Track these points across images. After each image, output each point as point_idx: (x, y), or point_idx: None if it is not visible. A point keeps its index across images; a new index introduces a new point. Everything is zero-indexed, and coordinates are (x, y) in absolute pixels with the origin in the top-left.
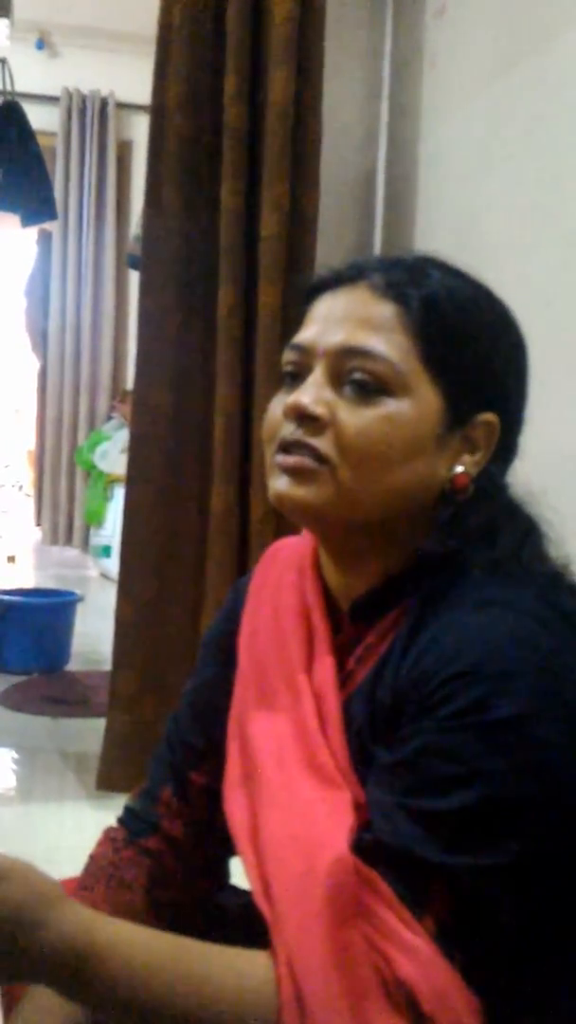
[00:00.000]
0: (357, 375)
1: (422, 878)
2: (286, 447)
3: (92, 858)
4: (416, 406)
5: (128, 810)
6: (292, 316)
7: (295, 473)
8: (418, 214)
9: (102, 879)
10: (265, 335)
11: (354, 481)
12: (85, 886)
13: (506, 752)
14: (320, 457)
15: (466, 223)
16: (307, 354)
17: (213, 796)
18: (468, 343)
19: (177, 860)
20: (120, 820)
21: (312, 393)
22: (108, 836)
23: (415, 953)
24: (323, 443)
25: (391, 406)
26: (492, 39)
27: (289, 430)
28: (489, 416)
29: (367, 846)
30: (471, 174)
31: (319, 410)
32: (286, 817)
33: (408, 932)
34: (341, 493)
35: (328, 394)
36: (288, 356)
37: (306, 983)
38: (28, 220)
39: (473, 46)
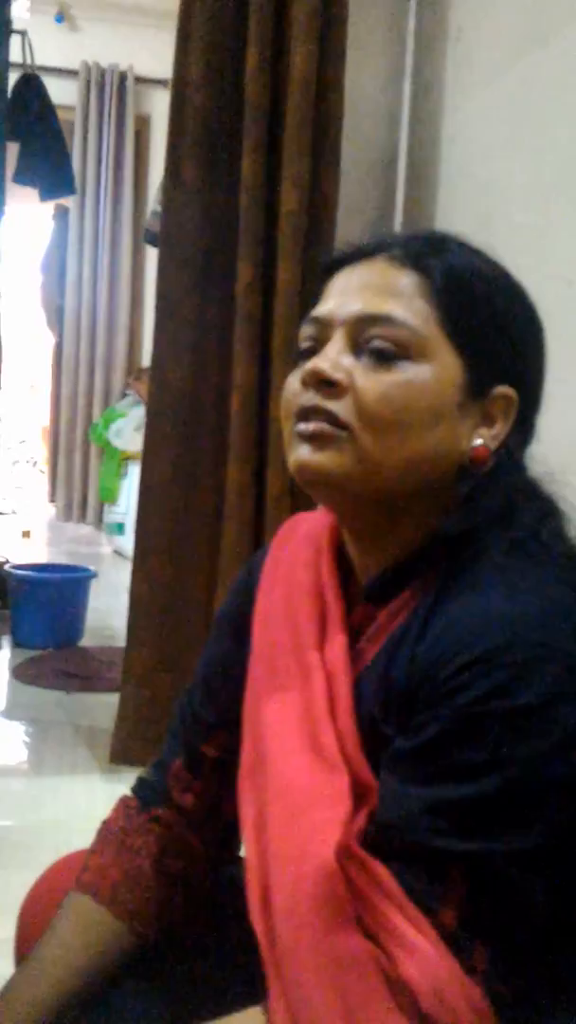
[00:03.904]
0: (376, 342)
1: (440, 869)
2: (304, 414)
3: (105, 824)
4: (437, 372)
5: (141, 780)
6: (310, 293)
7: (314, 439)
8: (439, 192)
9: (112, 843)
10: (283, 312)
11: (374, 448)
12: (95, 850)
13: (526, 738)
14: (339, 423)
15: (488, 202)
16: (325, 326)
17: (224, 769)
18: (489, 314)
19: (187, 830)
20: (133, 789)
21: (330, 359)
22: (122, 803)
23: (417, 951)
24: (342, 408)
25: (411, 371)
26: (518, 15)
27: (307, 397)
28: (508, 390)
29: (378, 838)
30: (494, 152)
31: (337, 375)
32: (286, 810)
33: (412, 930)
34: (362, 460)
35: (347, 360)
36: (305, 331)
37: (299, 999)
38: (47, 194)
39: (499, 22)
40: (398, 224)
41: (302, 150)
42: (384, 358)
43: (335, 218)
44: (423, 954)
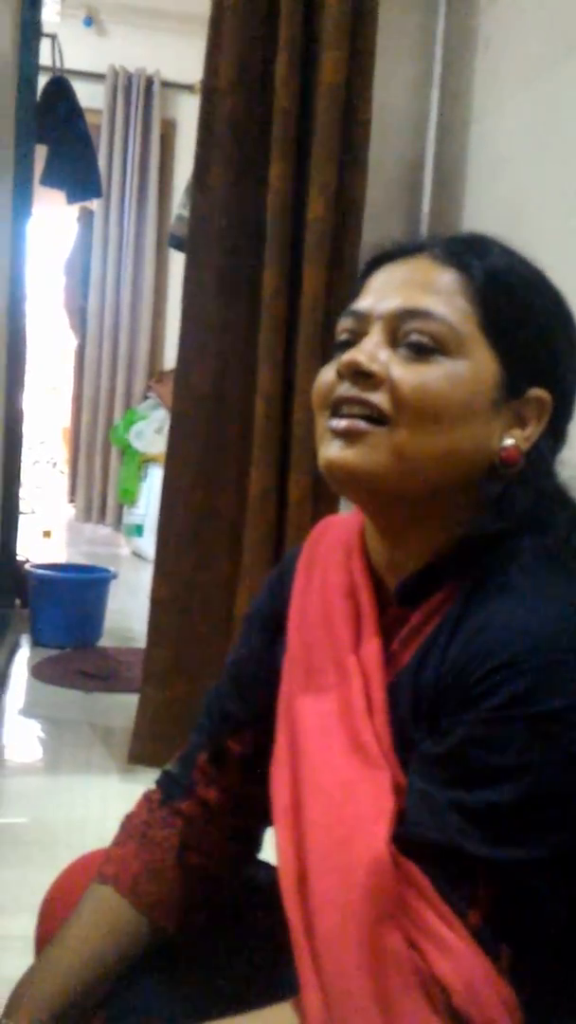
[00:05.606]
0: (414, 336)
1: (468, 872)
2: (339, 405)
3: (128, 816)
4: (473, 368)
5: (165, 773)
6: (336, 299)
7: (348, 436)
8: (466, 200)
9: (134, 836)
10: (308, 318)
11: (409, 440)
12: (118, 842)
13: (553, 744)
14: (375, 415)
15: (515, 211)
16: (363, 320)
17: (249, 765)
18: (528, 315)
19: (209, 825)
20: (157, 782)
21: (367, 351)
22: (146, 797)
23: (449, 948)
24: (379, 398)
25: (448, 365)
26: (547, 24)
27: (343, 388)
28: (542, 392)
29: (409, 839)
30: (522, 161)
31: (374, 367)
32: (327, 800)
33: (444, 927)
34: (395, 455)
35: (384, 353)
36: (343, 323)
37: (338, 989)
38: (73, 197)
39: (528, 30)
40: (425, 231)
41: (330, 156)
42: (421, 352)
43: (361, 225)
44: (456, 952)
